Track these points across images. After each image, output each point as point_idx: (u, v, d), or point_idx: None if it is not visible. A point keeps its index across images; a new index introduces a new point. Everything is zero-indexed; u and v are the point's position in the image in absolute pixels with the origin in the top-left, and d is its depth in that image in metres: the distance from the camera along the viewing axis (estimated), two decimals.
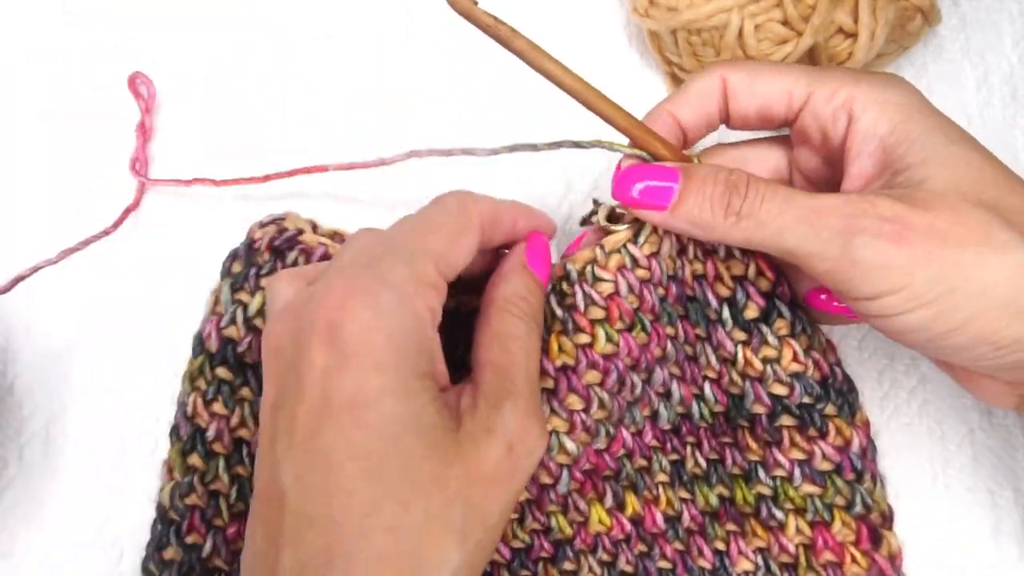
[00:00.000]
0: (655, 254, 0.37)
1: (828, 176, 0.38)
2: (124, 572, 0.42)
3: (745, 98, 0.37)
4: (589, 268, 0.37)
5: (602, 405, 0.37)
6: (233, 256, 0.40)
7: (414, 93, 0.49)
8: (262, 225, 0.40)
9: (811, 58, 0.43)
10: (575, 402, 0.37)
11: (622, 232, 0.37)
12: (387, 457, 0.29)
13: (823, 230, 0.32)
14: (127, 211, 0.45)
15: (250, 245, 0.39)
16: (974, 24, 0.51)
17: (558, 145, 0.39)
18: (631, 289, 0.37)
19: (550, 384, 0.37)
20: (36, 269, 0.42)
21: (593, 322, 0.37)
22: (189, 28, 0.50)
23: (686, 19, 0.43)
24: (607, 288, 0.37)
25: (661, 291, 0.38)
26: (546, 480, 0.39)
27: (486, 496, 0.30)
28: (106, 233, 0.44)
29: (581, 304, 0.37)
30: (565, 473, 0.38)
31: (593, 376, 0.37)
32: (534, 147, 0.39)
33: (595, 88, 0.36)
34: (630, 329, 0.37)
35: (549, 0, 0.51)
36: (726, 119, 0.38)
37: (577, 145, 0.38)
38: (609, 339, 0.37)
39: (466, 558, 0.29)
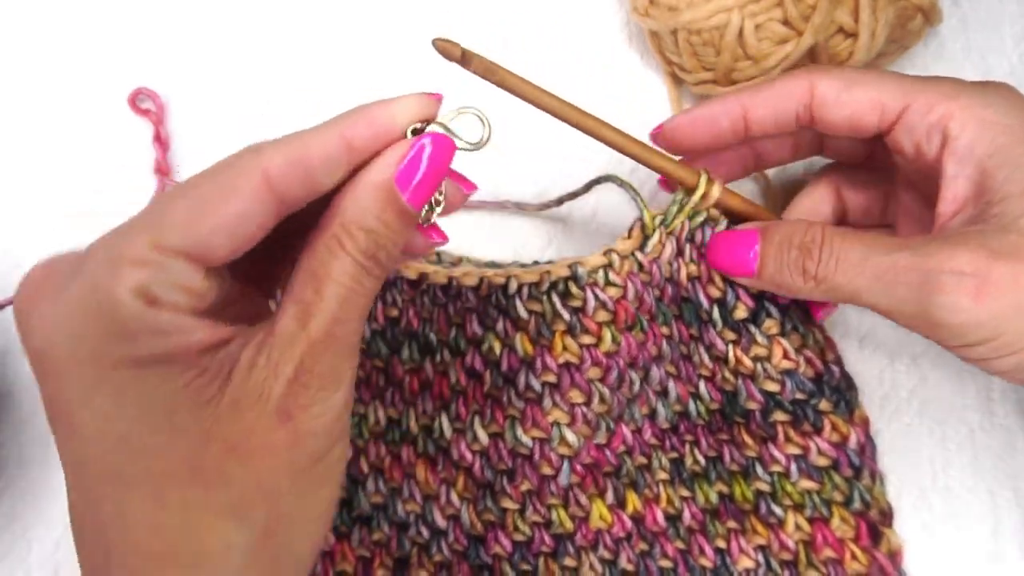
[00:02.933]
0: (656, 258, 0.38)
1: (925, 192, 0.37)
2: None
3: (835, 107, 0.36)
4: (601, 273, 0.38)
5: (603, 399, 0.38)
6: None
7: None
8: None
9: (811, 58, 0.43)
10: (576, 396, 0.39)
11: (631, 240, 0.38)
12: (121, 460, 0.26)
13: (900, 287, 0.31)
14: None
15: None
16: (975, 24, 0.51)
17: (597, 182, 0.41)
18: (637, 292, 0.38)
19: (552, 379, 0.38)
20: None
21: (600, 324, 0.38)
22: (198, 37, 0.50)
23: (686, 19, 0.43)
24: (617, 293, 0.38)
25: (657, 292, 0.39)
26: (547, 471, 0.39)
27: (262, 468, 0.26)
28: None
29: (591, 308, 0.38)
30: (566, 465, 0.39)
31: (595, 372, 0.39)
32: (573, 196, 0.41)
33: (589, 114, 0.36)
34: (631, 329, 0.38)
35: (549, 1, 0.51)
36: (808, 123, 0.37)
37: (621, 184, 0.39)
38: (614, 340, 0.38)
39: (256, 537, 0.27)
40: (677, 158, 0.39)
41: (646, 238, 0.38)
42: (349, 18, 0.50)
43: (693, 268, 0.39)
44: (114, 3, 0.50)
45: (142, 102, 0.48)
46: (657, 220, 0.38)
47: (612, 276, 0.38)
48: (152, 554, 0.26)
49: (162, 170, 0.46)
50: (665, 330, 0.39)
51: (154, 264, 0.25)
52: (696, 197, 0.37)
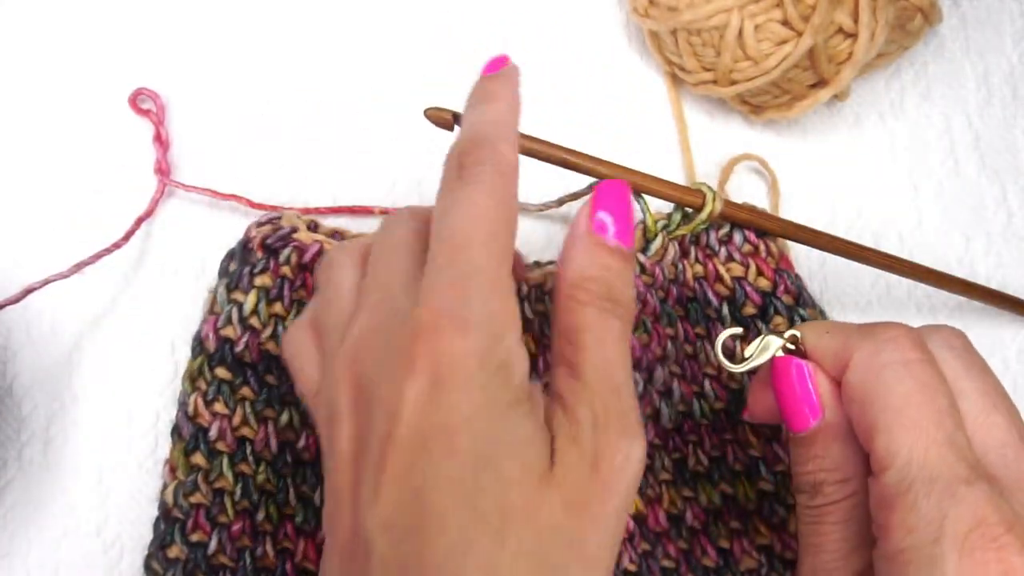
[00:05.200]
0: (659, 260, 0.38)
1: None
2: (124, 572, 0.42)
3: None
4: None
5: None
6: (230, 255, 0.40)
7: (426, 93, 0.49)
8: (259, 224, 0.40)
9: (811, 58, 0.43)
10: None
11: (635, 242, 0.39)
12: (479, 485, 0.25)
13: None
14: (139, 220, 0.45)
15: (245, 244, 0.40)
16: (974, 23, 0.51)
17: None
18: (639, 295, 0.38)
19: None
20: (47, 281, 0.42)
21: None
22: (198, 37, 0.50)
23: (686, 19, 0.43)
24: None
25: (661, 294, 0.39)
26: None
27: (579, 523, 0.26)
28: (116, 246, 0.44)
29: None
30: None
31: None
32: (573, 196, 0.39)
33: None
34: (634, 330, 0.38)
35: (549, 1, 0.51)
36: None
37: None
38: None
39: None
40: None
41: (648, 241, 0.39)
42: (349, 18, 0.50)
43: (699, 268, 0.39)
44: (114, 3, 0.50)
45: (142, 102, 0.48)
46: (660, 224, 0.38)
47: None
48: None
49: (162, 170, 0.46)
50: (670, 331, 0.40)
51: (514, 289, 0.28)
52: (703, 216, 0.37)
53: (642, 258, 0.39)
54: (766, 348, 0.32)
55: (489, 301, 0.27)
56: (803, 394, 0.30)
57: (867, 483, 0.28)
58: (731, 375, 0.39)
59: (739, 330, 0.34)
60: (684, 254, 0.39)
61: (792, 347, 0.32)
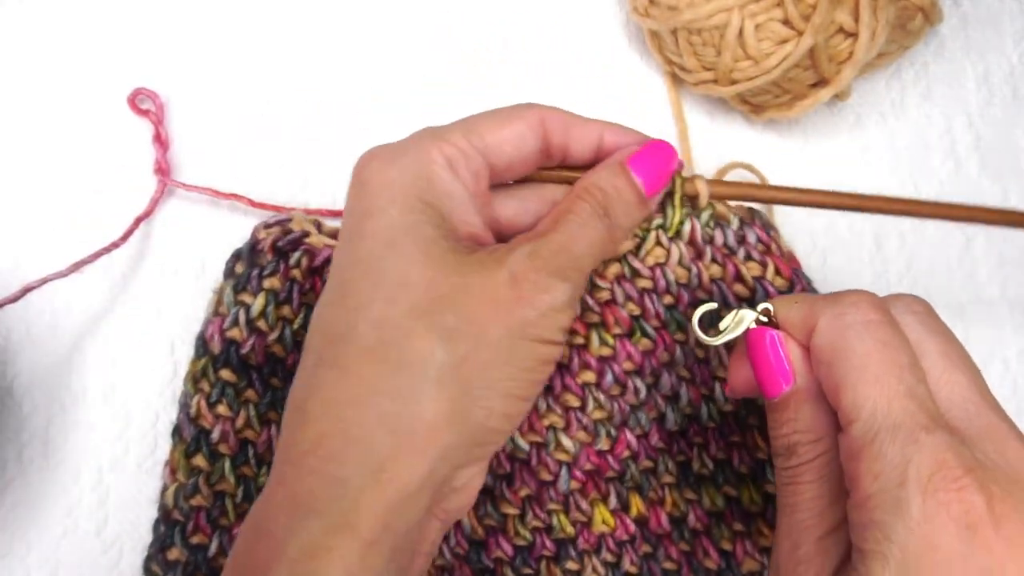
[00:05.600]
0: (661, 264, 0.38)
1: None
2: (124, 572, 0.42)
3: None
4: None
5: (599, 405, 0.38)
6: (236, 256, 0.40)
7: (426, 93, 0.49)
8: (267, 226, 0.40)
9: (812, 57, 0.43)
10: (571, 400, 0.39)
11: (625, 243, 0.38)
12: (383, 259, 0.31)
13: None
14: (138, 220, 0.45)
15: (253, 246, 0.39)
16: (975, 23, 0.51)
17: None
18: (629, 298, 0.38)
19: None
20: (45, 280, 0.42)
21: (588, 325, 0.38)
22: (198, 37, 0.50)
23: (686, 19, 0.43)
24: (603, 295, 0.38)
25: (669, 299, 0.39)
26: (545, 477, 0.39)
27: (481, 311, 0.30)
28: (115, 246, 0.44)
29: (577, 307, 0.38)
30: (564, 471, 0.39)
31: (588, 376, 0.38)
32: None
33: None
34: (630, 335, 0.38)
35: (549, 1, 0.51)
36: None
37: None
38: (604, 343, 0.38)
39: (453, 361, 0.30)
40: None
41: (641, 242, 0.38)
42: (348, 18, 0.50)
43: (716, 270, 0.39)
44: (114, 3, 0.50)
45: (142, 102, 0.48)
46: (655, 224, 0.38)
47: (597, 280, 0.38)
48: (365, 347, 0.30)
49: (162, 170, 0.46)
50: (680, 336, 0.39)
51: (462, 148, 0.33)
52: (677, 208, 0.37)
53: (634, 261, 0.38)
54: (740, 321, 0.33)
55: (423, 141, 0.33)
56: (776, 361, 0.32)
57: (838, 441, 0.30)
58: (706, 350, 0.39)
59: (714, 305, 0.35)
60: (699, 255, 0.39)
61: (765, 320, 0.33)
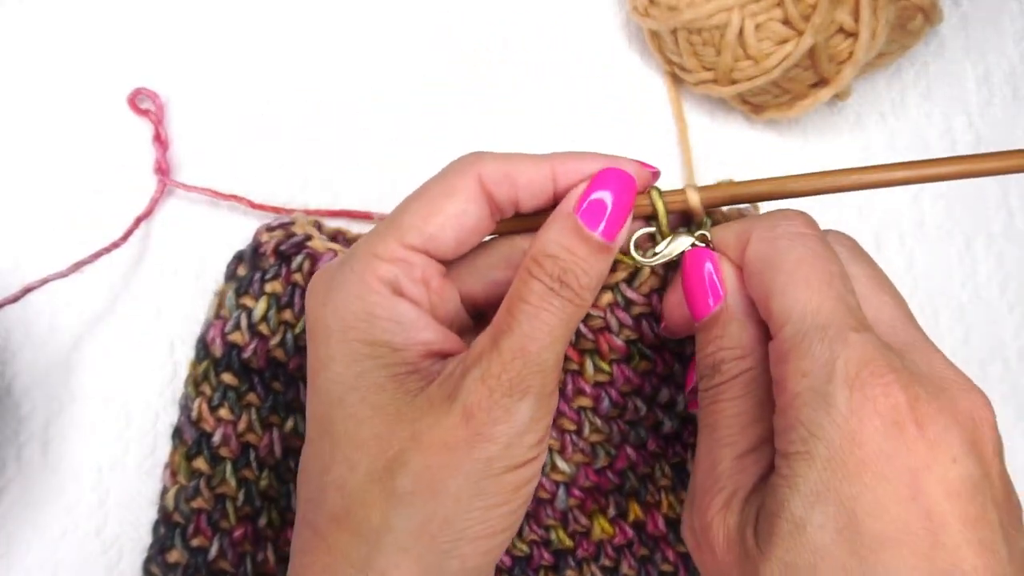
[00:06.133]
0: (658, 291, 0.36)
1: None
2: (124, 572, 0.42)
3: None
4: None
5: (596, 429, 0.38)
6: (238, 259, 0.39)
7: (426, 93, 0.49)
8: (269, 229, 0.39)
9: (812, 57, 0.43)
10: (566, 424, 0.38)
11: (618, 272, 0.36)
12: (334, 420, 0.30)
13: None
14: (138, 220, 0.45)
15: (256, 249, 0.39)
16: (975, 23, 0.51)
17: None
18: (624, 325, 0.36)
19: None
20: (45, 281, 0.42)
21: (582, 352, 0.37)
22: (198, 37, 0.50)
23: (686, 18, 0.43)
24: (596, 323, 0.36)
25: None
26: (543, 495, 0.39)
27: (436, 464, 0.28)
28: (115, 246, 0.43)
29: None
30: (562, 490, 0.38)
31: (584, 401, 0.38)
32: None
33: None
34: (627, 360, 0.37)
35: (549, 1, 0.51)
36: None
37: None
38: (599, 369, 0.37)
39: (412, 527, 0.28)
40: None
41: (634, 273, 0.36)
42: (348, 18, 0.50)
43: None
44: (114, 3, 0.50)
45: (142, 102, 0.48)
46: (649, 254, 0.34)
47: (590, 309, 0.36)
48: (331, 513, 0.29)
49: (162, 170, 0.46)
50: (679, 349, 0.38)
51: (401, 260, 0.30)
52: (664, 228, 0.34)
53: (627, 290, 0.36)
54: (676, 244, 0.33)
55: (358, 260, 0.31)
56: (708, 281, 0.32)
57: (764, 360, 0.30)
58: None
59: (652, 229, 0.34)
60: None
61: (702, 244, 0.33)
